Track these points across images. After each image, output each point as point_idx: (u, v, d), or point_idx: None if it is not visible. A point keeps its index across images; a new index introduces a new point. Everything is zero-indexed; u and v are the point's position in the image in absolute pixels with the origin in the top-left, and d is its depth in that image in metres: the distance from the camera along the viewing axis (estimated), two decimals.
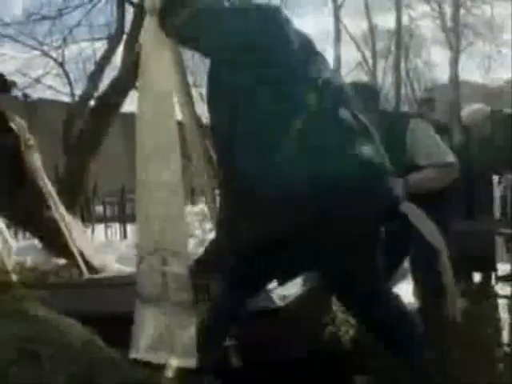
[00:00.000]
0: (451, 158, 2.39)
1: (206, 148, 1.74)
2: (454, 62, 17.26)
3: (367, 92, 2.41)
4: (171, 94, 1.54)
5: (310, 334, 2.28)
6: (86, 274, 3.24)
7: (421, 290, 2.53)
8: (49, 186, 3.35)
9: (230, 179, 1.58)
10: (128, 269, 4.22)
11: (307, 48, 1.68)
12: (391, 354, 1.94)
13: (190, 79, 2.11)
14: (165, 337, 1.45)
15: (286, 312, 2.11)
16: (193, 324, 1.45)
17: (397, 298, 1.93)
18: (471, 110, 4.06)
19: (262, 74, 1.51)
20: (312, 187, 1.50)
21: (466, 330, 2.77)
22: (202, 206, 5.34)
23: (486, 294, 3.85)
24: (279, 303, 2.05)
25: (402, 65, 20.67)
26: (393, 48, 19.49)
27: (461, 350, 2.52)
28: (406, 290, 3.03)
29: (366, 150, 1.60)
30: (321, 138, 1.55)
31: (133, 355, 1.44)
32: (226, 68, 1.55)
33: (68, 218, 3.40)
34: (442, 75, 19.50)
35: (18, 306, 1.32)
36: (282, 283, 1.81)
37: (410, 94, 20.65)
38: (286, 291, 2.11)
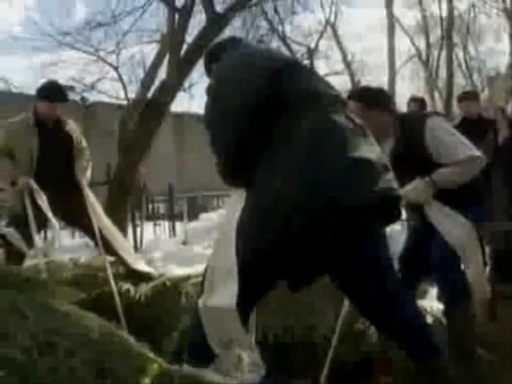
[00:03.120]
0: (473, 151, 2.34)
1: None
2: None
3: None
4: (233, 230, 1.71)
5: None
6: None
7: (443, 292, 2.48)
8: (87, 189, 3.54)
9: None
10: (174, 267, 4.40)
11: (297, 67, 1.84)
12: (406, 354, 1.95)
13: None
14: None
15: None
16: None
17: (408, 300, 1.93)
18: None
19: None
20: (313, 188, 1.56)
21: (508, 330, 2.71)
22: None
23: None
24: None
25: (460, 55, 19.96)
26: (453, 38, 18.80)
27: (498, 351, 2.48)
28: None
29: (364, 149, 1.64)
30: (321, 143, 1.62)
31: None
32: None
33: (106, 222, 3.57)
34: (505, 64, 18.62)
35: (46, 301, 1.46)
36: (294, 289, 1.85)
37: (469, 84, 19.88)
38: None
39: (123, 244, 3.58)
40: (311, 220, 1.57)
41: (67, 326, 1.32)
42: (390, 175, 1.69)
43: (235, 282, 1.63)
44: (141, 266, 3.47)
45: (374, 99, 2.43)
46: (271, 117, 1.70)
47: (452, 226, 2.31)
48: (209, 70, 2.00)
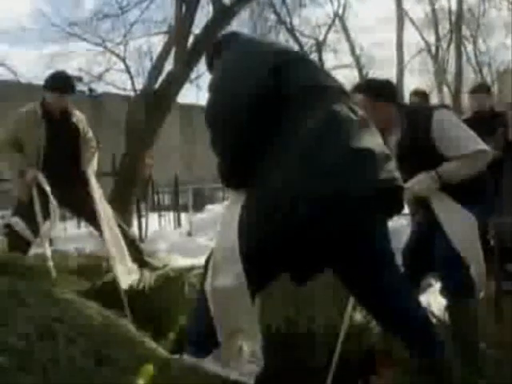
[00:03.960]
0: (480, 145, 2.30)
1: None
2: None
3: None
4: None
5: None
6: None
7: (447, 288, 2.47)
8: (93, 179, 3.54)
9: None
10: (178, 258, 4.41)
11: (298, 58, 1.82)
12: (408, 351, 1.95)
13: None
14: None
15: None
16: None
17: (410, 295, 1.92)
18: None
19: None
20: (314, 180, 1.56)
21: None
22: None
23: None
24: None
25: (470, 49, 19.80)
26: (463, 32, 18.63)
27: (502, 350, 2.46)
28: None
29: (366, 140, 1.63)
30: (322, 135, 1.61)
31: None
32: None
33: (108, 214, 3.54)
34: None
35: (48, 289, 1.46)
36: (298, 283, 1.84)
37: (478, 78, 19.74)
38: None
39: (119, 239, 3.53)
40: (313, 212, 1.56)
41: (68, 314, 1.32)
42: (392, 165, 1.67)
43: (239, 262, 1.63)
44: (121, 270, 3.37)
45: (379, 91, 2.40)
46: (272, 113, 1.68)
47: (455, 223, 2.29)
48: (210, 66, 1.99)
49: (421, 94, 4.63)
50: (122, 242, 3.48)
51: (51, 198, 3.32)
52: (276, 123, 1.67)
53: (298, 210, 1.55)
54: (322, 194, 1.55)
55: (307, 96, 1.69)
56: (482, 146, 2.31)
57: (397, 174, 1.67)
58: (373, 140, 1.67)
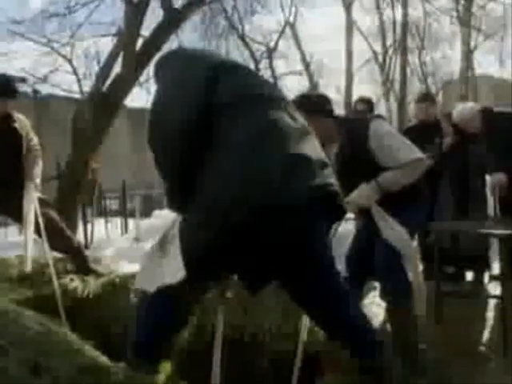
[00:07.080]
0: (417, 153, 2.41)
1: None
2: (466, 57, 17.08)
3: None
4: None
5: None
6: None
7: (386, 291, 2.55)
8: (31, 189, 3.43)
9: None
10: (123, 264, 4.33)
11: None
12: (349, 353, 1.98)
13: None
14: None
15: None
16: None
17: (351, 299, 1.95)
18: (461, 107, 4.03)
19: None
20: (249, 187, 1.57)
21: (453, 328, 2.82)
22: None
23: (477, 293, 3.88)
24: None
25: (416, 59, 20.51)
26: (409, 43, 19.29)
27: (442, 349, 2.56)
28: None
29: (303, 147, 1.66)
30: (259, 141, 1.64)
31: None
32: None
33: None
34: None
35: None
36: (251, 292, 1.85)
37: (423, 88, 20.45)
38: None
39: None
40: (249, 217, 1.58)
41: (3, 324, 1.28)
42: (329, 171, 1.70)
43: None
44: None
45: (314, 106, 2.44)
46: (210, 128, 1.69)
47: (396, 228, 2.38)
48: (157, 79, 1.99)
49: (366, 102, 4.76)
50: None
51: None
52: (213, 133, 1.68)
53: (234, 215, 1.56)
54: (257, 200, 1.57)
55: (243, 104, 1.70)
56: (418, 154, 2.41)
57: (333, 180, 1.70)
58: (310, 147, 1.70)
